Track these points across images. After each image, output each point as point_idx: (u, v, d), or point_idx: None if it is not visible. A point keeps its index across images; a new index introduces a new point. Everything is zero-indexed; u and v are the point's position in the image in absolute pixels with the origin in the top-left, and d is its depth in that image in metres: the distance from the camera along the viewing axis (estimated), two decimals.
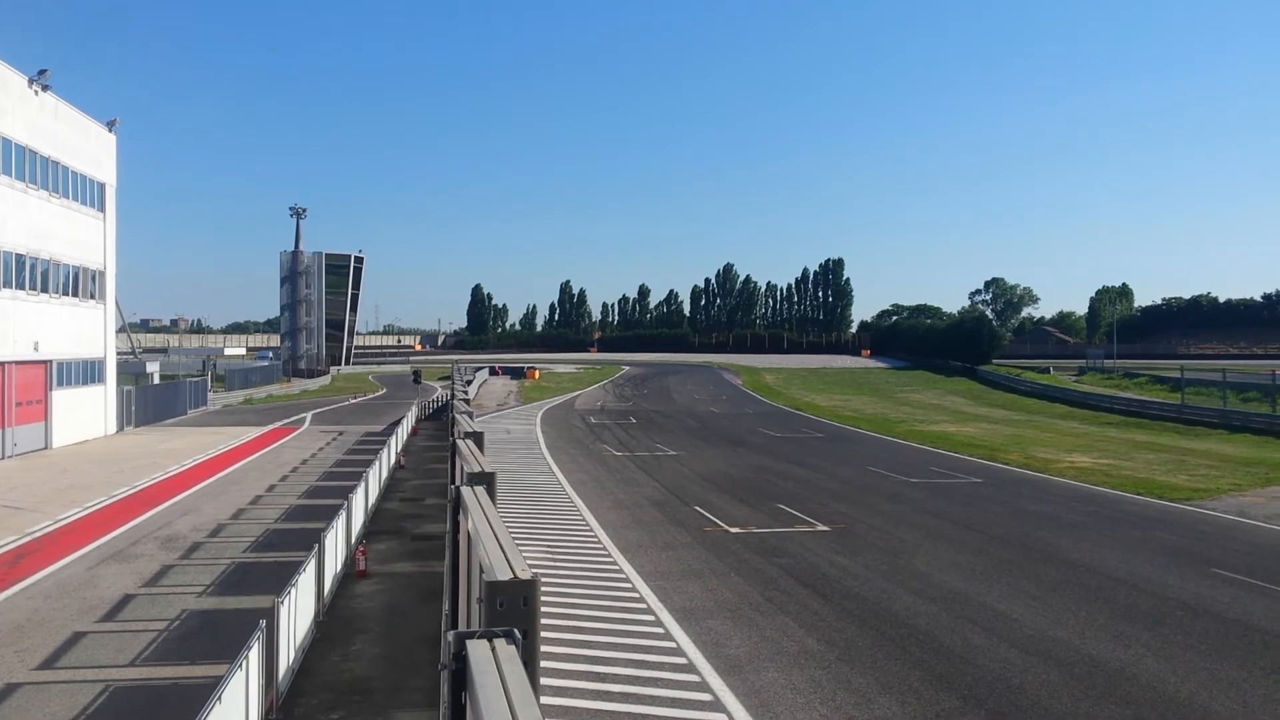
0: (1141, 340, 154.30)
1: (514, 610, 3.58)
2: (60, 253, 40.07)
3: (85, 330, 42.89)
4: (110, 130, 45.58)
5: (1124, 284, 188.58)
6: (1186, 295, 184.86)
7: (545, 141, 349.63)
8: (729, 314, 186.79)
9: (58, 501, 25.96)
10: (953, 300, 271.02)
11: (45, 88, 38.20)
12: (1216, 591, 17.79)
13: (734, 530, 23.39)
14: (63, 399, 40.13)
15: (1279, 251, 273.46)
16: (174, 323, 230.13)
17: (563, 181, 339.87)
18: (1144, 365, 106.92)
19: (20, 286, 36.94)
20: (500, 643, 3.21)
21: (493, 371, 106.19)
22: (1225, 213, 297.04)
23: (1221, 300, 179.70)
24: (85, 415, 42.49)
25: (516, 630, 3.35)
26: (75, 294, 41.94)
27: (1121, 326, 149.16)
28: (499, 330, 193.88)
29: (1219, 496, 29.49)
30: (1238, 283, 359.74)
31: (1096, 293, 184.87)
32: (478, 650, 3.13)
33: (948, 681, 12.74)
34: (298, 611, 12.36)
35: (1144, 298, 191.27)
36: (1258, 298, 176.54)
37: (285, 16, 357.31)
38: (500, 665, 2.97)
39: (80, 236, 42.17)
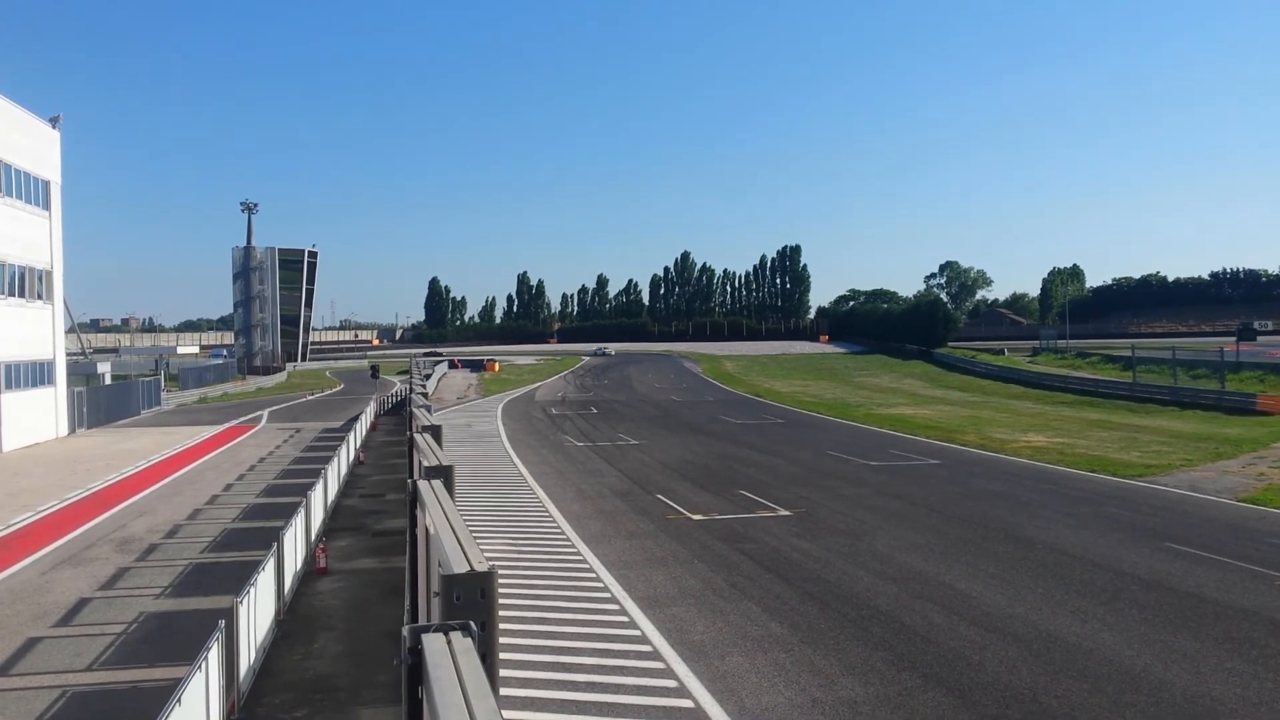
0: (1093, 320, 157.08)
1: (471, 603, 3.56)
2: (4, 252, 39.20)
3: (33, 331, 42.02)
4: (54, 127, 44.64)
5: (1075, 265, 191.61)
6: (1136, 275, 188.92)
7: (500, 132, 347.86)
8: (688, 302, 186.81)
9: (9, 506, 25.45)
10: (908, 284, 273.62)
11: None
12: (1169, 565, 18.16)
13: (697, 517, 23.47)
14: (11, 402, 39.32)
15: (1226, 231, 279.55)
16: (125, 322, 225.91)
17: (518, 172, 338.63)
18: (1096, 345, 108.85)
19: None
20: (456, 635, 3.18)
21: (452, 365, 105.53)
22: (1173, 193, 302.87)
23: (1170, 279, 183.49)
24: (35, 418, 41.67)
25: (473, 623, 3.33)
26: (21, 295, 41.06)
27: (1073, 307, 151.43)
28: (457, 323, 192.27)
29: (1170, 472, 30.07)
30: (1186, 262, 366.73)
31: (1048, 274, 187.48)
32: (433, 644, 3.10)
33: (909, 661, 12.89)
34: (258, 611, 12.24)
35: (1095, 278, 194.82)
36: (1205, 276, 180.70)
37: (231, 11, 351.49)
38: (456, 658, 2.94)
39: (25, 235, 41.27)
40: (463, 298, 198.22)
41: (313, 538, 19.06)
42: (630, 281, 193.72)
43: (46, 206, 43.53)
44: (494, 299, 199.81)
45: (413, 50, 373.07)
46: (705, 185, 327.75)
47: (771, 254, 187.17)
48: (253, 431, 46.13)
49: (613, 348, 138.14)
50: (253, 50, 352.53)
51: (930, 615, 15.01)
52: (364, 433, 40.79)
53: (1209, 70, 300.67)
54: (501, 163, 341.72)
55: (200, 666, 8.55)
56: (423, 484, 6.67)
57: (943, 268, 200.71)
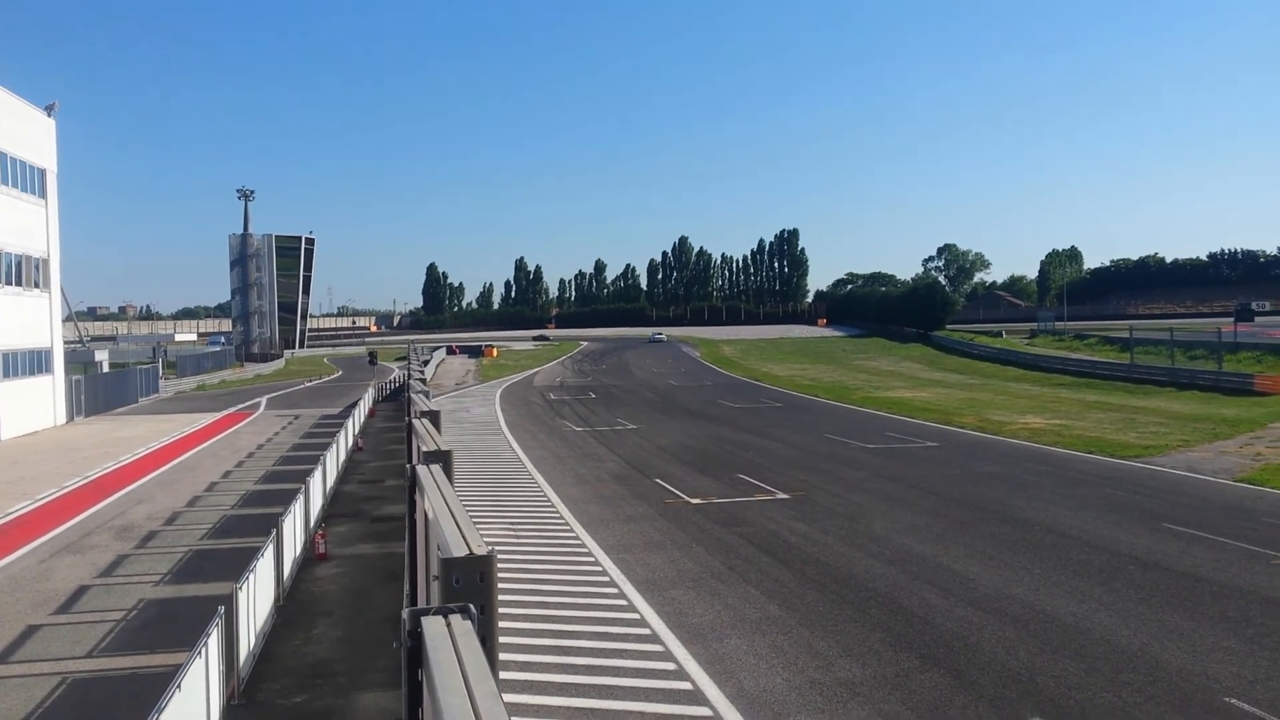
0: (1091, 302, 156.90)
1: (470, 586, 3.56)
2: (1, 241, 39.10)
3: (30, 320, 41.95)
4: (49, 115, 44.45)
5: (1073, 247, 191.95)
6: (1134, 256, 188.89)
7: (497, 117, 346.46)
8: (686, 287, 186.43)
9: (8, 494, 25.47)
10: (906, 267, 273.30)
11: None
12: (1166, 545, 18.22)
13: (695, 501, 23.51)
14: (9, 390, 39.29)
15: (1224, 212, 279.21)
16: (122, 310, 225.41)
17: (516, 158, 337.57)
18: (1094, 326, 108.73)
19: None
20: (456, 619, 3.19)
21: (450, 351, 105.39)
22: (1171, 174, 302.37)
23: (1168, 261, 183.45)
24: (33, 406, 41.65)
25: (473, 606, 3.34)
26: (18, 283, 40.99)
27: (1071, 289, 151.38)
28: (455, 309, 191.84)
29: (1168, 453, 30.13)
30: (1184, 243, 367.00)
31: (1046, 256, 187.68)
32: (433, 627, 3.11)
33: (907, 642, 12.94)
34: (257, 597, 12.28)
35: (1093, 260, 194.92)
36: (1203, 257, 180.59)
37: None
38: (456, 641, 2.96)
39: (21, 224, 41.15)
40: (460, 284, 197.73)
41: (312, 524, 19.11)
42: (628, 266, 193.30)
43: (43, 194, 43.40)
44: (492, 285, 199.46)
45: (408, 35, 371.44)
46: (703, 170, 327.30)
47: (769, 238, 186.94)
48: (251, 418, 46.13)
49: (664, 333, 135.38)
50: (249, 37, 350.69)
51: (928, 596, 15.07)
52: (362, 419, 40.80)
53: (1206, 51, 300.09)
54: (499, 148, 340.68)
55: (200, 653, 8.58)
56: (421, 469, 6.67)
57: (940, 250, 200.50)
